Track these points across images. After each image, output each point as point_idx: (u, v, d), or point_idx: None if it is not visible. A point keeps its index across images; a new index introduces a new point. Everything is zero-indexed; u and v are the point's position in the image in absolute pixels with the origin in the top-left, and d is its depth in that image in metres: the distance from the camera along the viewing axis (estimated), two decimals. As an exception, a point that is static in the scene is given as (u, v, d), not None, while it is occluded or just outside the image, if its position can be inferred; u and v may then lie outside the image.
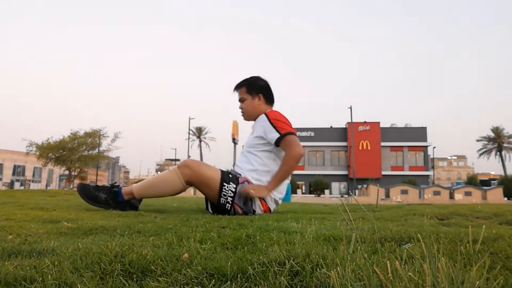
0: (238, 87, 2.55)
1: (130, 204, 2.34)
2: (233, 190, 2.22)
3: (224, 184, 2.20)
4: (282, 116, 2.40)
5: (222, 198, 2.21)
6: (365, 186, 23.30)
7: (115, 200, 2.31)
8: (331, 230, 1.47)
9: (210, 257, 0.97)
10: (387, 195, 18.89)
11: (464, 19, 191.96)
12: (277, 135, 2.31)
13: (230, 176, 2.27)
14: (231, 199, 2.22)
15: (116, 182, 2.45)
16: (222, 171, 2.28)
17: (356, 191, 26.21)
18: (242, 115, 2.56)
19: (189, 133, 41.93)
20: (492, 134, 52.09)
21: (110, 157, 41.75)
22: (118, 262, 0.89)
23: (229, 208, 2.24)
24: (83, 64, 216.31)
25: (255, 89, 2.51)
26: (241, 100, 2.53)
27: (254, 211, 2.30)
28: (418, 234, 1.28)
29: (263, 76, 2.58)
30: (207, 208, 2.51)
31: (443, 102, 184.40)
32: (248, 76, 2.58)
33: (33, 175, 48.48)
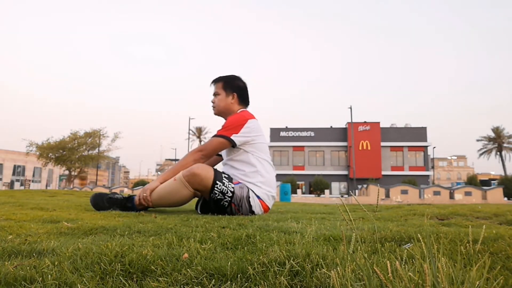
0: (215, 82, 2.58)
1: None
2: (232, 190, 2.23)
3: (217, 182, 2.20)
4: (241, 119, 2.39)
5: (214, 190, 2.20)
6: (365, 186, 23.26)
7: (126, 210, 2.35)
8: (331, 230, 1.47)
9: (210, 257, 0.97)
10: (387, 195, 18.86)
11: (465, 20, 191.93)
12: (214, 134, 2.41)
13: (225, 175, 2.28)
14: (229, 198, 2.23)
15: (128, 194, 2.45)
16: (215, 170, 2.28)
17: (356, 191, 26.16)
18: (213, 108, 2.59)
19: (189, 133, 41.97)
20: (492, 134, 52.03)
21: (110, 157, 41.76)
22: (118, 262, 0.89)
23: (226, 206, 2.25)
24: (83, 64, 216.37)
25: (230, 87, 2.54)
26: (215, 94, 2.56)
27: (254, 212, 2.30)
28: (418, 234, 1.28)
29: (243, 78, 2.61)
30: (196, 208, 2.51)
31: (444, 102, 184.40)
32: (228, 74, 2.62)
33: (33, 175, 48.43)
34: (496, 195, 18.06)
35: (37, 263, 0.89)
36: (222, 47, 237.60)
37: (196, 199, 2.53)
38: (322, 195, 29.88)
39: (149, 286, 0.78)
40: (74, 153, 32.13)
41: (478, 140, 53.59)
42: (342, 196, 28.74)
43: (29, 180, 43.94)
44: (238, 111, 2.50)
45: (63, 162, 32.30)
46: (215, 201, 2.23)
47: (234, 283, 0.79)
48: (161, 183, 2.31)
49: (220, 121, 2.54)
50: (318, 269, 0.86)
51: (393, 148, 38.48)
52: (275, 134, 39.74)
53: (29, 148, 31.16)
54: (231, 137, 2.32)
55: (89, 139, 33.13)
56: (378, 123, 38.45)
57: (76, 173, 34.63)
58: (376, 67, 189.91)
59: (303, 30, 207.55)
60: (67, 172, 35.26)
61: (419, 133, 38.62)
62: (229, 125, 2.36)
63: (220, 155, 2.64)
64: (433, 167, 45.77)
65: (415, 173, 37.25)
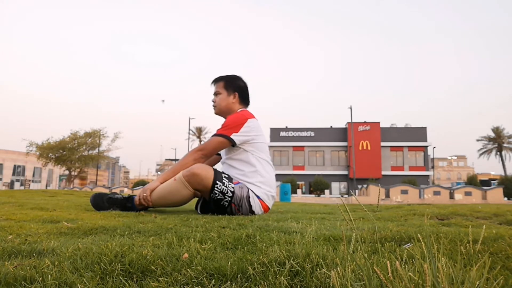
0: (216, 81, 2.58)
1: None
2: (232, 190, 2.23)
3: (217, 182, 2.21)
4: (241, 118, 2.39)
5: (214, 190, 2.21)
6: (365, 186, 23.24)
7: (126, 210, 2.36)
8: (331, 230, 1.47)
9: (210, 257, 0.97)
10: (387, 195, 18.85)
11: (466, 19, 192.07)
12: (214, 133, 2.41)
13: (225, 175, 2.28)
14: (229, 198, 2.23)
15: (128, 194, 2.46)
16: (215, 170, 2.29)
17: (356, 191, 26.17)
18: (214, 108, 2.59)
19: (189, 133, 41.98)
20: (492, 134, 52.07)
21: (110, 157, 41.86)
22: (118, 262, 0.89)
23: (226, 206, 2.25)
24: (83, 64, 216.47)
25: (232, 87, 2.54)
26: (216, 93, 2.56)
27: (254, 212, 2.30)
28: (418, 234, 1.28)
29: (243, 78, 2.62)
30: (196, 208, 2.51)
31: (444, 102, 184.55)
32: (229, 73, 2.62)
33: (33, 175, 48.48)
34: (496, 195, 18.06)
35: (37, 263, 0.89)
36: (223, 47, 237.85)
37: (196, 199, 2.53)
38: (322, 195, 29.89)
39: (149, 286, 0.78)
40: (74, 153, 32.19)
41: (478, 140, 53.69)
42: (342, 196, 28.75)
43: (29, 180, 43.96)
44: (238, 111, 2.51)
45: (63, 162, 32.35)
46: (215, 201, 2.23)
47: (234, 283, 0.79)
48: (161, 183, 2.31)
49: (220, 121, 2.54)
50: (318, 269, 0.86)
51: (393, 148, 38.48)
52: (275, 134, 39.74)
53: (29, 148, 31.22)
54: (231, 136, 2.32)
55: (89, 139, 33.20)
56: (378, 123, 38.45)
57: (76, 173, 34.66)
58: (376, 67, 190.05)
59: (304, 30, 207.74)
60: (67, 172, 35.30)
61: (419, 133, 38.62)
62: (229, 124, 2.36)
63: (219, 154, 2.64)
64: (433, 167, 45.79)
65: (415, 173, 37.24)
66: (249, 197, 2.28)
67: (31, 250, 1.04)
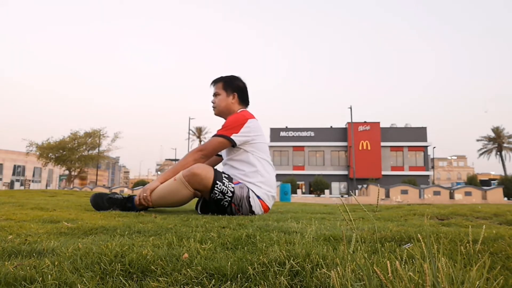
0: (215, 82, 2.59)
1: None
2: (232, 190, 2.23)
3: (217, 182, 2.21)
4: (241, 119, 2.39)
5: (214, 190, 2.21)
6: (365, 186, 23.26)
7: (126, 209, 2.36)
8: (331, 230, 1.47)
9: (210, 257, 0.97)
10: (387, 195, 18.85)
11: (465, 20, 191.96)
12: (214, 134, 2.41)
13: (225, 175, 2.28)
14: (229, 198, 2.23)
15: (128, 194, 2.47)
16: (215, 170, 2.29)
17: (356, 191, 26.18)
18: (213, 109, 2.60)
19: (189, 133, 41.98)
20: (492, 134, 52.08)
21: (110, 157, 41.85)
22: (118, 262, 0.89)
23: (226, 206, 2.25)
24: (83, 64, 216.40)
25: (231, 87, 2.55)
26: (215, 94, 2.57)
27: (254, 212, 2.30)
28: (418, 234, 1.28)
29: (242, 78, 2.62)
30: (196, 208, 2.51)
31: (444, 101, 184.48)
32: (228, 74, 2.62)
33: (33, 175, 48.48)
34: (496, 195, 18.06)
35: (37, 263, 0.89)
36: (223, 47, 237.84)
37: (196, 199, 2.53)
38: (322, 195, 29.89)
39: (149, 286, 0.78)
40: (74, 153, 32.21)
41: (478, 140, 53.70)
42: (342, 196, 28.74)
43: (29, 180, 43.93)
44: (238, 111, 2.51)
45: (63, 162, 32.36)
46: (215, 201, 2.23)
47: (234, 283, 0.79)
48: (161, 183, 2.31)
49: (220, 121, 2.54)
50: (318, 269, 0.86)
51: (393, 148, 38.47)
52: (275, 134, 39.73)
53: (29, 148, 31.24)
54: (231, 137, 2.32)
55: (89, 139, 33.22)
56: (378, 123, 38.43)
57: (76, 173, 34.68)
58: (376, 67, 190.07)
59: (304, 29, 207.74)
60: (67, 172, 35.31)
61: (419, 133, 38.61)
62: (229, 124, 2.36)
63: (220, 155, 2.64)
64: (433, 167, 45.80)
65: (415, 173, 37.23)
66: (249, 197, 2.28)
67: (31, 250, 1.04)
